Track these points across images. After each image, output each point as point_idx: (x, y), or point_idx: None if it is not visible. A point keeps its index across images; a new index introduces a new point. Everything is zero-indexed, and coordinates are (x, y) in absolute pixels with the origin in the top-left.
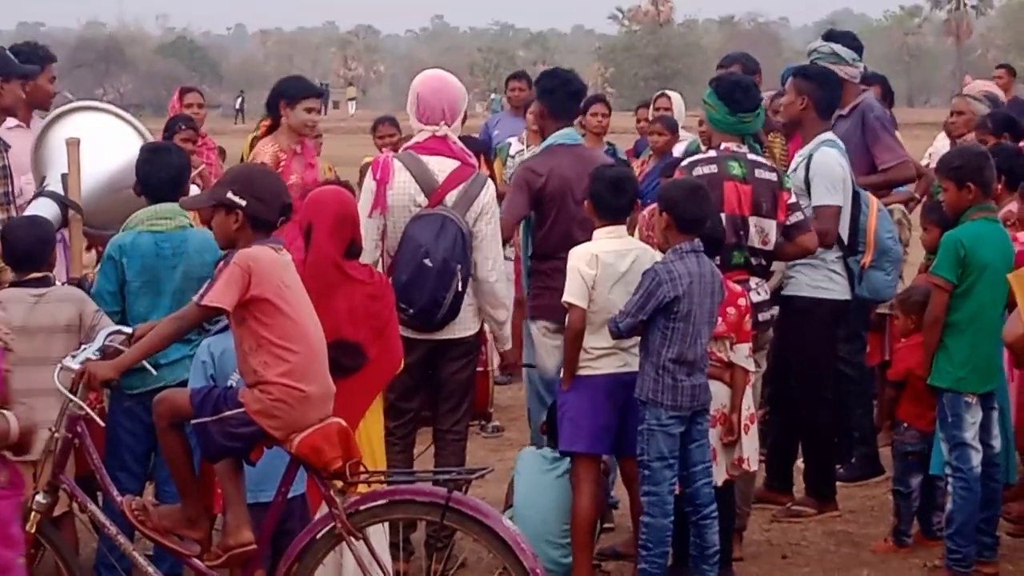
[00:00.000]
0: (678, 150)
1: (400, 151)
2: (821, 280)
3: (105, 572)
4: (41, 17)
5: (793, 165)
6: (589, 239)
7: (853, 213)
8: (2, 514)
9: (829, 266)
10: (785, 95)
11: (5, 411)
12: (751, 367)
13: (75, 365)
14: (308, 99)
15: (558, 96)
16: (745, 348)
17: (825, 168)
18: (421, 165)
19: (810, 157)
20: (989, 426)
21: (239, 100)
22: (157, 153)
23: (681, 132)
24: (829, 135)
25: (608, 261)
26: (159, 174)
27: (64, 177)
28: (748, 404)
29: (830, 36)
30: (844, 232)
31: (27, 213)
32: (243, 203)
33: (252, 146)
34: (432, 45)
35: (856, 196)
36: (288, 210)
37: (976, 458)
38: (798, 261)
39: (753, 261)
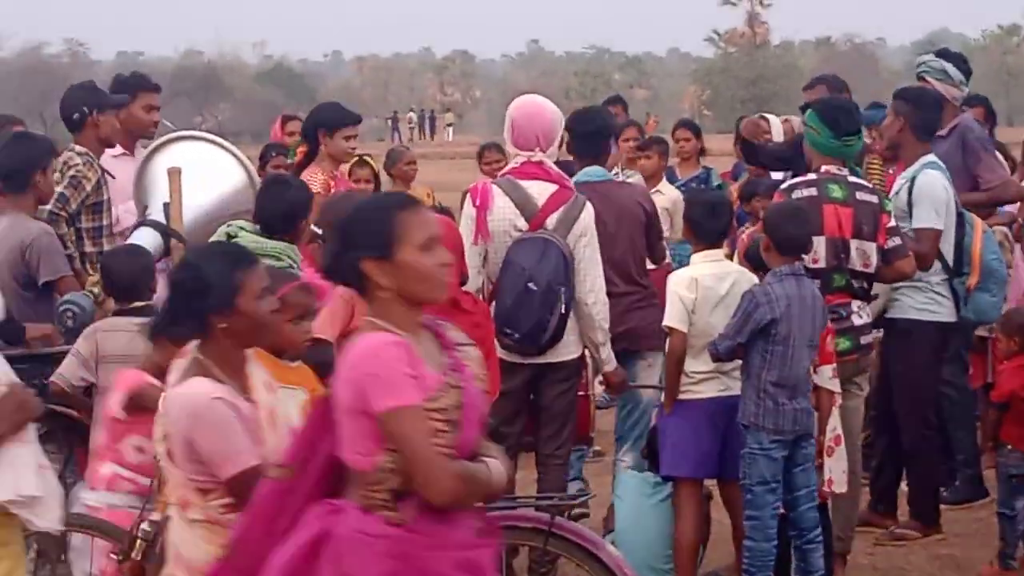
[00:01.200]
0: (778, 172)
1: (499, 177)
2: (926, 302)
3: None
4: (140, 47)
5: (896, 187)
6: (619, 274)
7: (958, 234)
8: (481, 563)
9: (934, 288)
10: (889, 116)
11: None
12: (836, 388)
13: None
14: (346, 127)
15: (578, 135)
16: (828, 370)
17: (928, 190)
18: (520, 190)
19: (913, 179)
20: None
21: None
22: (273, 186)
23: None
24: (932, 157)
25: (707, 284)
26: (272, 207)
27: (166, 206)
28: (834, 426)
29: (943, 54)
30: (949, 254)
31: (129, 242)
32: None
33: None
34: (528, 69)
35: (960, 217)
36: None
37: None
38: (903, 284)
39: (854, 284)
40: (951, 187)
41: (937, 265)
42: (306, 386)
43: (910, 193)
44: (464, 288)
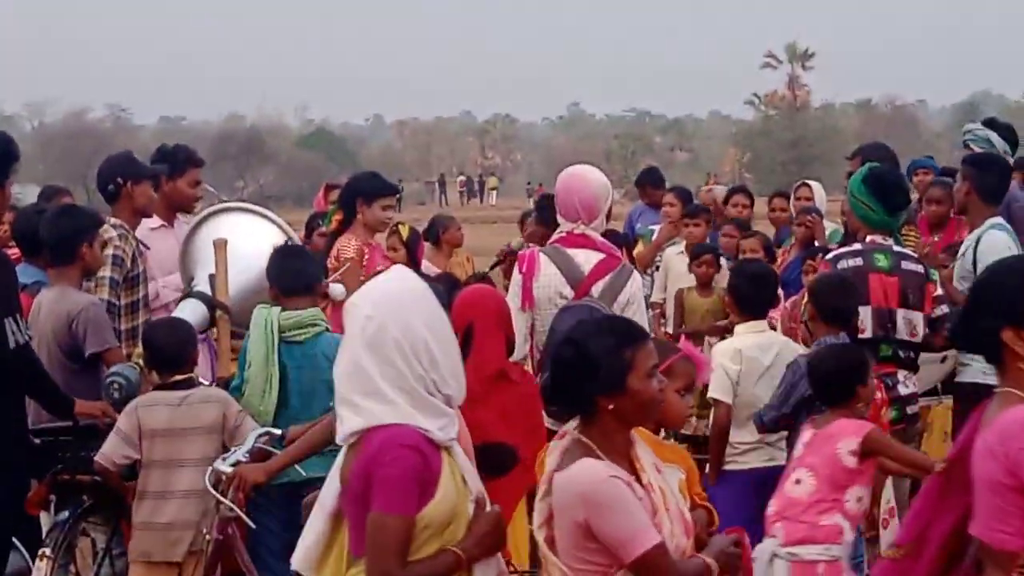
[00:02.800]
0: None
1: (547, 246)
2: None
3: None
4: (182, 111)
5: (962, 249)
6: None
7: None
8: None
9: None
10: (957, 182)
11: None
12: None
13: (227, 468)
14: (384, 197)
15: (546, 212)
16: None
17: (994, 250)
18: (566, 258)
19: (978, 240)
20: None
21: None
22: (289, 255)
23: (824, 222)
24: (998, 219)
25: (751, 355)
26: (293, 274)
27: (212, 277)
28: (888, 498)
29: (990, 124)
30: None
31: (174, 314)
32: None
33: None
34: (569, 132)
35: None
36: None
37: None
38: None
39: (901, 354)
40: (1017, 247)
41: None
42: (681, 464)
43: (975, 252)
44: (512, 357)
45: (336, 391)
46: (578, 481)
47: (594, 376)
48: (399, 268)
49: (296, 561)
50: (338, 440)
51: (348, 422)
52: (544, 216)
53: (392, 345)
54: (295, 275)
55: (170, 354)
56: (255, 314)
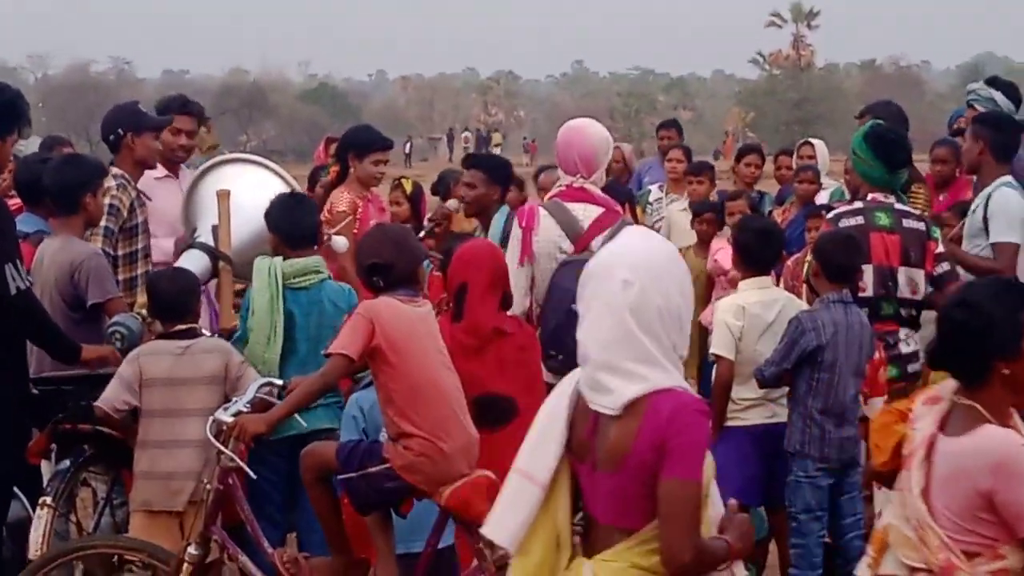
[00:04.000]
0: (822, 197)
1: (546, 200)
2: None
3: None
4: (186, 65)
5: (973, 206)
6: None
7: None
8: None
9: None
10: (965, 141)
11: None
12: None
13: (228, 418)
14: (376, 152)
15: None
16: (879, 402)
17: (1005, 206)
18: (566, 212)
19: (989, 196)
20: None
21: (407, 145)
22: (291, 204)
23: (825, 180)
24: (1008, 178)
25: (755, 312)
26: (298, 224)
27: (215, 228)
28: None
29: (993, 82)
30: (1022, 275)
31: (178, 264)
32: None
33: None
34: (572, 90)
35: None
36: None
37: None
38: None
39: (903, 312)
40: None
41: None
42: None
43: (986, 209)
44: (510, 311)
45: (595, 358)
46: (989, 449)
47: (990, 339)
48: (642, 228)
49: (501, 538)
50: (610, 409)
51: (623, 390)
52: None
53: (655, 311)
54: (298, 225)
55: (173, 303)
56: (257, 263)
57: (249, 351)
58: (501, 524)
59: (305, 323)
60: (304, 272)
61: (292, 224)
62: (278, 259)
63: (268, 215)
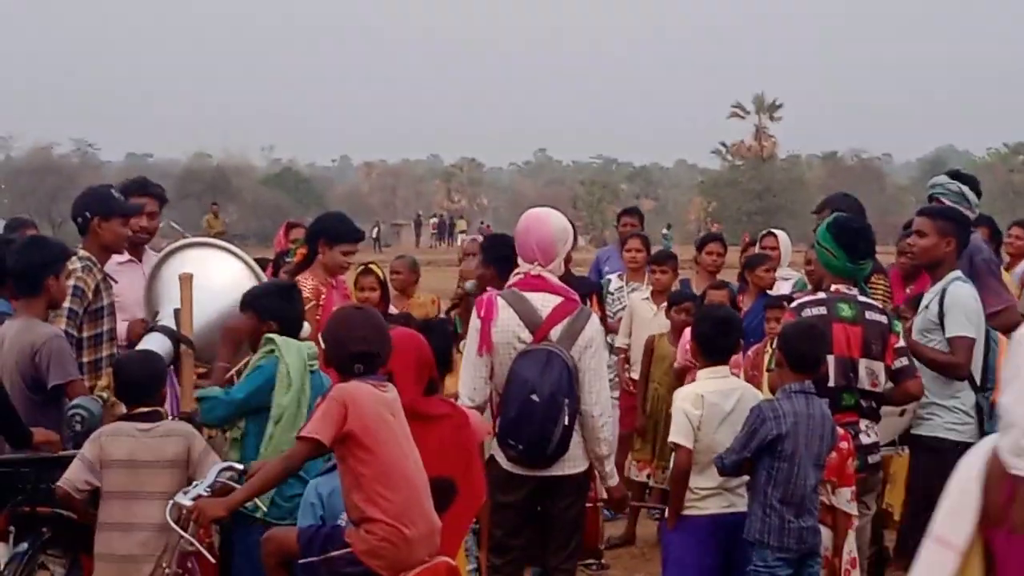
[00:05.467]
0: (786, 287)
1: (504, 289)
2: (954, 422)
3: None
4: (149, 148)
5: (926, 300)
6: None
7: (984, 351)
8: None
9: (964, 407)
10: (925, 235)
11: None
12: (853, 511)
13: (187, 502)
14: (346, 243)
15: (489, 252)
16: (847, 492)
17: (960, 301)
18: (524, 302)
19: (944, 291)
20: None
21: (376, 230)
22: (288, 294)
23: (787, 271)
24: (959, 272)
25: (713, 401)
26: (295, 312)
27: (177, 312)
28: (850, 547)
29: (956, 175)
30: (977, 371)
31: (140, 346)
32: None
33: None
34: (535, 178)
35: (987, 334)
36: (364, 356)
37: None
38: (934, 400)
39: (863, 403)
40: (977, 299)
41: (966, 386)
42: None
43: (941, 305)
44: (467, 400)
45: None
46: None
47: None
48: None
49: None
50: None
51: None
52: (488, 257)
53: None
54: (297, 312)
55: (139, 385)
56: (285, 343)
57: (282, 426)
58: None
59: (311, 404)
60: (314, 357)
61: (290, 311)
62: (304, 344)
63: (258, 302)
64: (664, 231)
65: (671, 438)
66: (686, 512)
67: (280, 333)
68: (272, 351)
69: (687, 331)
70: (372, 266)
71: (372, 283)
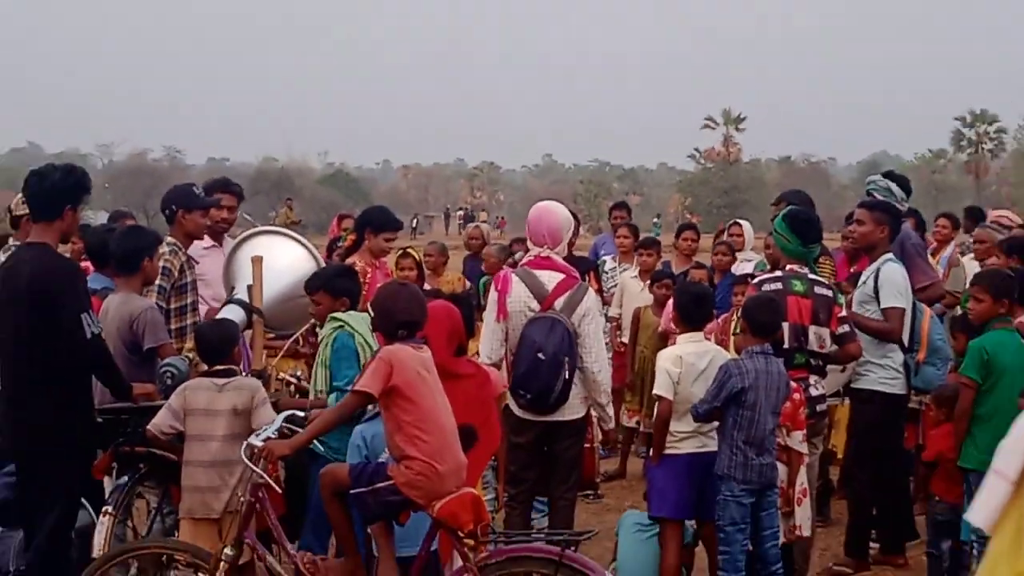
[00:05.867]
0: (749, 267)
1: (517, 267)
2: (886, 377)
3: None
4: (226, 153)
5: (863, 278)
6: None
7: (911, 319)
8: None
9: (895, 365)
10: (863, 223)
11: None
12: (804, 450)
13: (258, 442)
14: (388, 231)
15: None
16: (799, 435)
17: (892, 278)
18: (533, 278)
19: (878, 271)
20: None
21: (415, 221)
22: (354, 275)
23: (751, 253)
24: (891, 254)
25: (690, 361)
26: (357, 290)
27: (249, 288)
28: (802, 481)
29: (889, 175)
30: (905, 335)
31: (219, 316)
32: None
33: (330, 251)
34: (543, 178)
35: (914, 305)
36: (408, 324)
37: None
38: (870, 359)
39: (812, 362)
40: (906, 276)
41: (897, 348)
42: None
43: (876, 281)
44: (487, 358)
45: None
46: None
47: None
48: None
49: (977, 521)
50: None
51: None
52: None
53: None
54: (359, 289)
55: (216, 348)
56: (352, 317)
57: None
58: (977, 511)
59: None
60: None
61: (355, 289)
62: (364, 314)
63: (332, 283)
64: (655, 220)
65: (655, 391)
66: (667, 451)
67: (350, 306)
68: (341, 327)
69: (670, 303)
70: (410, 250)
71: (410, 264)
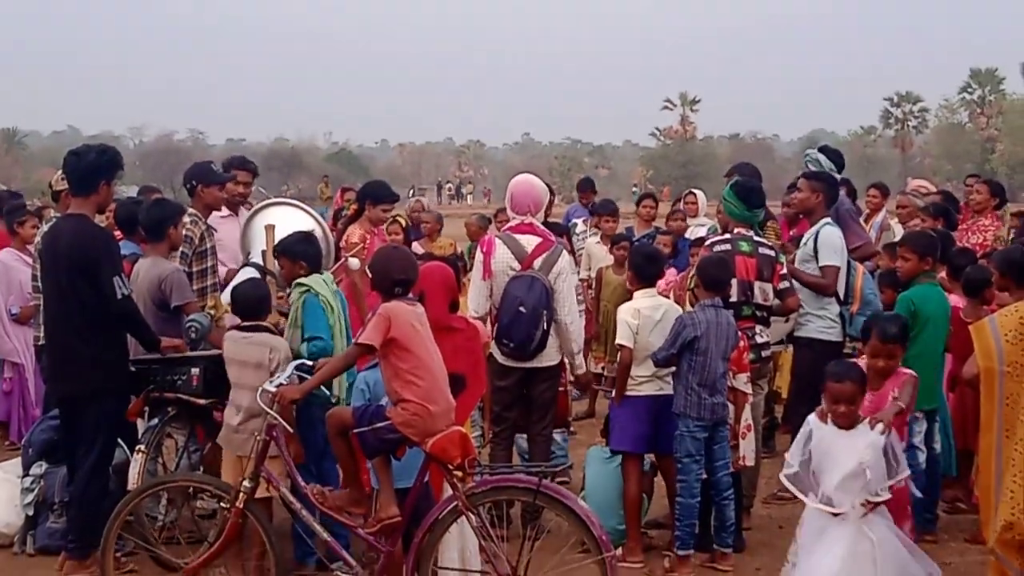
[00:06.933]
0: (702, 231)
1: (500, 232)
2: (823, 326)
3: (297, 539)
4: (243, 134)
5: (804, 239)
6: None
7: (846, 275)
8: None
9: (831, 315)
10: (801, 191)
11: None
12: (749, 391)
13: (272, 388)
14: (386, 202)
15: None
16: (743, 377)
17: (830, 239)
18: (515, 241)
19: (817, 233)
20: (932, 433)
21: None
22: (312, 240)
23: (703, 219)
24: (828, 219)
25: (646, 314)
26: (315, 253)
27: (263, 253)
28: (746, 417)
29: (823, 150)
30: (841, 289)
31: (237, 278)
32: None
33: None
34: (522, 154)
35: (848, 264)
36: (403, 282)
37: (921, 456)
38: (810, 310)
39: (758, 313)
40: (842, 239)
41: (833, 301)
42: None
43: (815, 242)
44: (473, 312)
45: None
46: None
47: None
48: None
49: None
50: None
51: None
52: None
53: None
54: (317, 252)
55: (254, 306)
56: (318, 281)
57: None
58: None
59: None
60: (332, 280)
61: (312, 252)
62: (324, 274)
63: (290, 249)
64: (633, 190)
65: (617, 340)
66: (628, 393)
67: (313, 269)
68: (307, 290)
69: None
70: (398, 217)
71: (396, 229)
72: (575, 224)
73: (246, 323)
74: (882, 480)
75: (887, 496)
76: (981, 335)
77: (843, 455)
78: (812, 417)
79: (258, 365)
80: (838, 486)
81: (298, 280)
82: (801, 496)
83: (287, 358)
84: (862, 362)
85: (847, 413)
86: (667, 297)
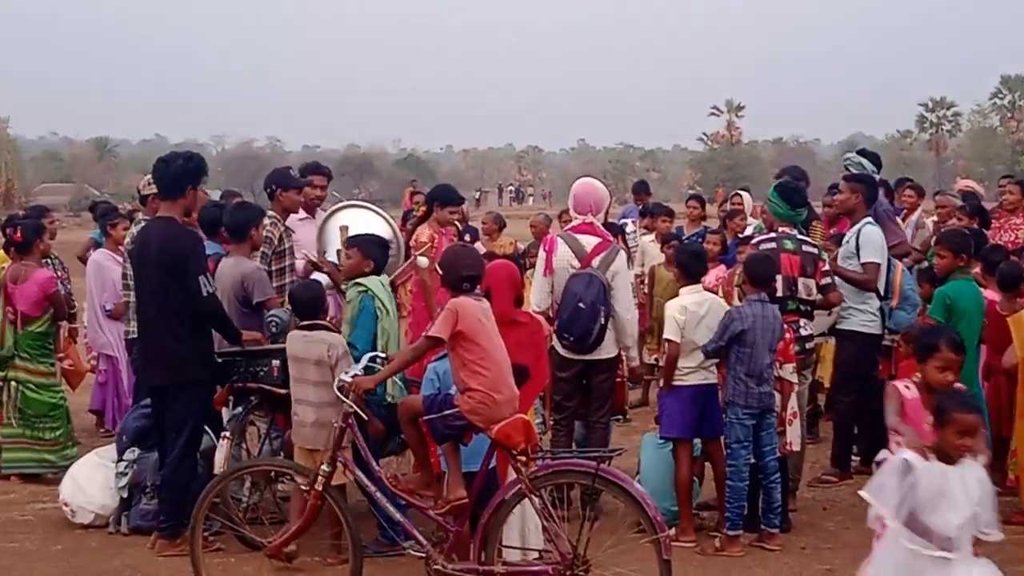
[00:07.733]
0: (748, 230)
1: (562, 231)
2: (865, 320)
3: (377, 520)
4: (318, 141)
5: (847, 237)
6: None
7: (886, 272)
8: None
9: (872, 310)
10: (842, 192)
11: None
12: (794, 380)
13: (347, 379)
14: (452, 205)
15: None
16: (790, 367)
17: (871, 237)
18: (575, 241)
19: (859, 232)
20: None
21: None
22: (384, 246)
23: (750, 219)
24: (870, 218)
25: (692, 309)
26: (384, 260)
27: (338, 252)
28: (792, 405)
29: (862, 153)
30: (881, 285)
31: (313, 277)
32: (440, 273)
33: (405, 219)
34: (577, 159)
35: (888, 261)
36: (471, 278)
37: None
38: (852, 305)
39: (802, 308)
40: (883, 237)
41: (874, 296)
42: None
43: (857, 240)
44: (536, 307)
45: None
46: None
47: None
48: None
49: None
50: None
51: None
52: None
53: None
54: (386, 259)
55: (305, 306)
56: (376, 284)
57: (389, 342)
58: None
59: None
60: (386, 283)
61: (382, 257)
62: (382, 277)
63: (365, 245)
64: (690, 191)
65: (665, 335)
66: (675, 383)
67: (372, 273)
68: (365, 291)
69: None
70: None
71: (453, 232)
72: (625, 224)
73: (305, 322)
74: (992, 516)
75: (1000, 536)
76: (1020, 327)
77: (959, 492)
78: (909, 456)
79: (318, 361)
80: (960, 526)
81: (356, 280)
82: (907, 543)
83: (345, 352)
84: (905, 364)
85: (974, 446)
86: (715, 292)
